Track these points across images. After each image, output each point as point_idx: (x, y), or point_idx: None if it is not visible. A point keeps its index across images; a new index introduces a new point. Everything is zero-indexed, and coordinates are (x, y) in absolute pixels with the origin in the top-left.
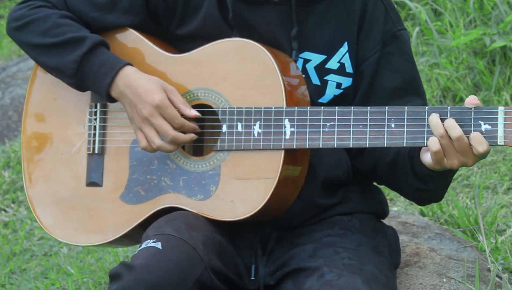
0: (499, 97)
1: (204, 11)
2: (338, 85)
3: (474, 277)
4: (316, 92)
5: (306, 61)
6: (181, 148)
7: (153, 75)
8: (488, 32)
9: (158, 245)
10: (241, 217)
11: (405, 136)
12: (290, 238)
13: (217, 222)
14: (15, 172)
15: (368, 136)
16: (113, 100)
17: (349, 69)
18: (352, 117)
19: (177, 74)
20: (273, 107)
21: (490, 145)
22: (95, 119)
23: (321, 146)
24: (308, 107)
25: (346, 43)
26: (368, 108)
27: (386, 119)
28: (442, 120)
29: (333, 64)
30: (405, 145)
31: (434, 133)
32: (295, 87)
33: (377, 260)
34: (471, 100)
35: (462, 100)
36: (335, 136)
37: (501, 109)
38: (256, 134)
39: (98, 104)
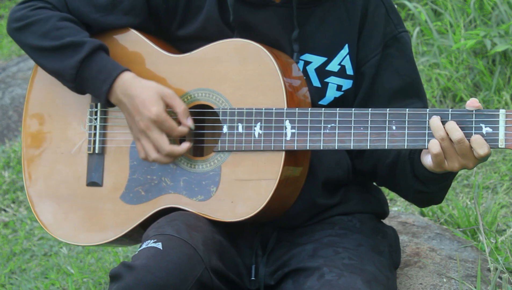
0: (499, 97)
1: (205, 12)
2: (339, 87)
3: (474, 277)
4: (317, 94)
5: (307, 63)
6: None
7: (154, 75)
8: (489, 32)
9: (159, 245)
10: (242, 218)
11: (406, 138)
12: (290, 238)
13: (217, 222)
14: (15, 172)
15: (369, 138)
16: (113, 105)
17: (349, 71)
18: (353, 118)
19: (177, 74)
20: (274, 108)
21: (491, 148)
22: (96, 119)
23: (322, 148)
24: (309, 109)
25: (346, 45)
26: (369, 110)
27: (387, 121)
28: (443, 122)
29: (333, 66)
30: (406, 147)
31: (435, 136)
32: (296, 89)
33: (377, 260)
34: (472, 103)
35: (462, 100)
36: (336, 138)
37: (502, 112)
38: (256, 135)
39: (99, 104)
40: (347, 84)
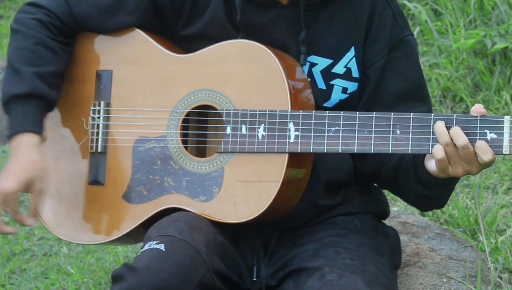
0: (499, 97)
1: (210, 12)
2: (344, 90)
3: (474, 277)
4: (322, 96)
5: (313, 65)
6: (185, 149)
7: (158, 75)
8: (489, 32)
9: (161, 247)
10: (244, 220)
11: (410, 142)
12: (291, 239)
13: (219, 223)
14: None
15: (373, 141)
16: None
17: (355, 74)
18: (357, 122)
19: (181, 74)
20: (277, 110)
21: (495, 154)
22: (98, 118)
23: (325, 151)
24: (313, 111)
25: (353, 47)
26: (374, 114)
27: (391, 125)
28: (448, 127)
29: (339, 68)
30: (410, 151)
31: (439, 141)
32: (300, 91)
33: (378, 260)
34: (477, 109)
35: (462, 100)
36: (340, 141)
37: (507, 118)
38: (260, 137)
39: (102, 103)
40: (352, 86)
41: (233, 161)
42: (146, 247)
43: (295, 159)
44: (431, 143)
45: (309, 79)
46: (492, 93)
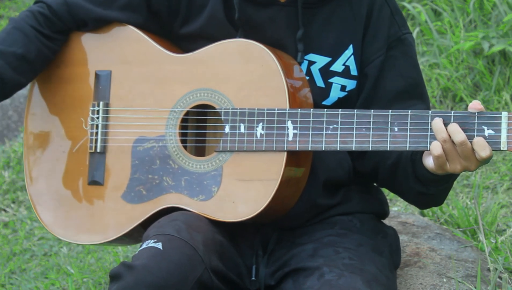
0: (499, 97)
1: (209, 10)
2: (343, 88)
3: (474, 277)
4: (320, 94)
5: (311, 63)
6: (184, 148)
7: (157, 75)
8: (487, 34)
9: (159, 245)
10: (243, 218)
11: (408, 139)
12: (290, 238)
13: (218, 222)
14: (15, 172)
15: (371, 139)
16: None
17: (353, 71)
18: (355, 120)
19: (180, 73)
20: (276, 109)
21: (493, 150)
22: (98, 118)
23: (323, 149)
24: (311, 109)
25: (351, 45)
26: (372, 111)
27: (389, 123)
28: (446, 124)
29: (338, 66)
30: (408, 149)
31: (437, 138)
32: (298, 89)
33: (377, 260)
34: (475, 105)
35: (462, 100)
36: (338, 139)
37: (504, 114)
38: (258, 135)
39: (101, 103)
40: (351, 84)
41: (232, 160)
42: (144, 245)
43: (294, 157)
44: (429, 140)
45: (307, 77)
46: (492, 93)
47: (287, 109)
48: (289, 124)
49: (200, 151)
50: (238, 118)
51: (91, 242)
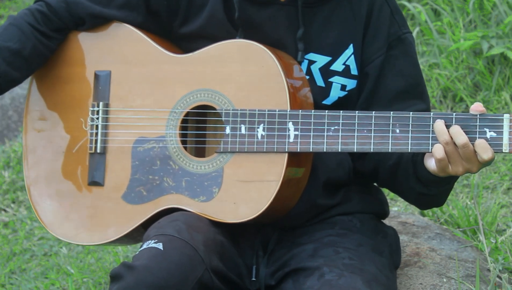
0: (498, 97)
1: (209, 10)
2: (343, 87)
3: (474, 277)
4: (321, 94)
5: (311, 62)
6: (184, 149)
7: (157, 75)
8: (487, 34)
9: (160, 245)
10: (244, 219)
11: (409, 141)
12: (291, 238)
13: (218, 223)
14: (15, 172)
15: (372, 140)
16: None
17: (354, 71)
18: (356, 121)
19: (180, 74)
20: (277, 110)
21: (495, 152)
22: (97, 118)
23: (325, 150)
24: (312, 111)
25: (351, 45)
26: (373, 113)
27: (390, 124)
28: (447, 126)
29: (338, 66)
30: (409, 150)
31: (439, 140)
32: (298, 89)
33: (377, 260)
34: (476, 107)
35: (462, 100)
36: (339, 140)
37: (506, 116)
38: (259, 136)
39: (101, 103)
40: (351, 84)
41: (233, 161)
42: (144, 246)
43: (295, 158)
44: (430, 141)
45: (307, 77)
46: (492, 93)
47: (288, 110)
48: (290, 125)
49: (200, 152)
50: (238, 119)
51: (91, 243)
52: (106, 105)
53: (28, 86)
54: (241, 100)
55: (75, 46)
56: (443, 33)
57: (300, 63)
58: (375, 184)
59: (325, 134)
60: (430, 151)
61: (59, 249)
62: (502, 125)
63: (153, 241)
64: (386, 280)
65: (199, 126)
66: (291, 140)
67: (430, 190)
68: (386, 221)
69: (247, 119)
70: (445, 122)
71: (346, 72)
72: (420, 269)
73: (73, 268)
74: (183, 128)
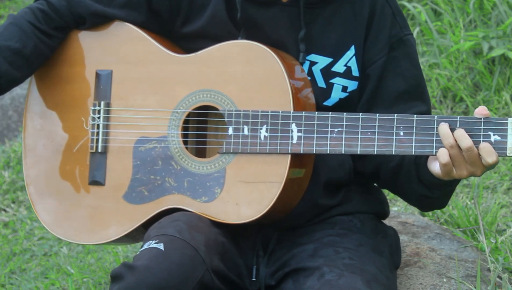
0: (499, 98)
1: (211, 10)
2: (344, 89)
3: (474, 277)
4: (322, 95)
5: (313, 63)
6: (186, 149)
7: (159, 75)
8: (488, 33)
9: (160, 246)
10: (246, 221)
11: (413, 144)
12: (291, 238)
13: (219, 223)
14: (15, 172)
15: (376, 143)
16: None
17: (355, 72)
18: (360, 123)
19: (182, 74)
20: (280, 111)
21: (499, 156)
22: (99, 118)
23: (328, 152)
24: (316, 112)
25: (353, 46)
26: (377, 115)
27: (394, 127)
28: (452, 129)
29: (339, 67)
30: (413, 153)
31: (443, 143)
32: (300, 90)
33: (377, 260)
34: (481, 111)
35: (462, 100)
36: (343, 142)
37: (510, 120)
38: (262, 137)
39: (102, 103)
40: (352, 85)
41: (235, 162)
42: (145, 246)
43: (298, 159)
44: (434, 145)
45: (309, 78)
46: (492, 93)
47: (292, 111)
48: (293, 126)
49: (201, 153)
50: (241, 120)
51: (91, 242)
52: (108, 104)
53: (28, 85)
54: (244, 101)
55: (76, 45)
56: (443, 33)
57: (301, 64)
58: (375, 184)
59: (329, 136)
60: (434, 154)
61: (59, 249)
62: (507, 129)
63: (154, 241)
64: (386, 280)
65: (201, 127)
66: (294, 141)
67: (433, 193)
68: (386, 221)
69: (250, 120)
70: (449, 126)
71: (347, 74)
72: (420, 269)
73: (73, 268)
74: (185, 128)
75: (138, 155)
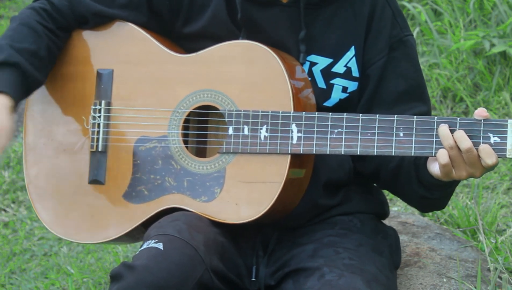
0: (498, 97)
1: (212, 10)
2: (344, 89)
3: (474, 277)
4: (322, 96)
5: (313, 64)
6: (186, 148)
7: (160, 75)
8: (488, 33)
9: (160, 245)
10: (246, 220)
11: (413, 145)
12: (291, 238)
13: (219, 223)
14: (15, 172)
15: (376, 144)
16: None
17: (355, 73)
18: (360, 124)
19: (183, 74)
20: (280, 111)
21: (498, 157)
22: (99, 117)
23: (328, 153)
24: (316, 113)
25: (353, 47)
26: (377, 116)
27: (394, 128)
28: (452, 131)
29: (339, 68)
30: (413, 154)
31: (443, 144)
32: (300, 90)
33: (377, 260)
34: (480, 112)
35: (462, 100)
36: (343, 143)
37: (510, 122)
38: (262, 138)
39: (103, 102)
40: (352, 86)
41: (235, 162)
42: (144, 246)
43: (297, 160)
44: (434, 146)
45: (309, 79)
46: (492, 93)
47: (292, 112)
48: (293, 127)
49: (201, 152)
50: (242, 120)
51: (91, 241)
52: (108, 103)
53: None
54: (244, 101)
55: (78, 45)
56: (443, 33)
57: (302, 64)
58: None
59: (329, 136)
60: (433, 155)
61: (59, 249)
62: (506, 131)
63: (153, 241)
64: (386, 280)
65: (201, 126)
66: (294, 141)
67: (432, 194)
68: (386, 221)
69: (250, 120)
70: (449, 127)
71: (347, 74)
72: (420, 269)
73: (73, 268)
74: (185, 128)
75: (138, 154)
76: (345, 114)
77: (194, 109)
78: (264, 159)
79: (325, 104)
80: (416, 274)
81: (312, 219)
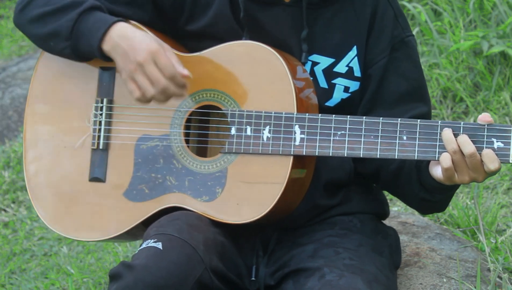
0: (498, 98)
1: (215, 9)
2: (346, 89)
3: (474, 277)
4: (324, 96)
5: (315, 64)
6: (188, 148)
7: None
8: (487, 33)
9: (159, 245)
10: (247, 221)
11: (416, 149)
12: (291, 239)
13: (219, 223)
14: (15, 172)
15: (379, 147)
16: (105, 58)
17: (357, 73)
18: (363, 127)
19: None
20: (283, 113)
21: (501, 162)
22: (101, 114)
23: (331, 154)
24: (319, 115)
25: (355, 47)
26: (380, 119)
27: (398, 131)
28: (455, 135)
29: (341, 67)
30: (416, 158)
31: (447, 148)
32: (302, 90)
33: (377, 260)
34: (484, 117)
35: (462, 100)
36: (346, 145)
37: None
38: (265, 138)
39: (105, 100)
40: (354, 85)
41: (237, 162)
42: (144, 245)
43: (300, 160)
44: (437, 150)
45: (311, 78)
46: (492, 93)
47: (295, 113)
48: (297, 128)
49: (202, 152)
50: (244, 120)
51: (91, 239)
52: (110, 101)
53: (31, 79)
54: (247, 101)
55: None
56: (443, 33)
57: (303, 64)
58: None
59: (332, 138)
60: (436, 159)
61: (59, 249)
62: (510, 136)
63: (152, 241)
64: (386, 280)
65: (203, 126)
66: (297, 143)
67: (434, 197)
68: (386, 221)
69: (253, 120)
70: (452, 131)
71: (349, 74)
72: (420, 269)
73: (73, 268)
74: (187, 127)
75: (140, 153)
76: (348, 116)
77: (196, 108)
78: (266, 159)
79: (326, 104)
80: (416, 274)
81: (312, 219)
